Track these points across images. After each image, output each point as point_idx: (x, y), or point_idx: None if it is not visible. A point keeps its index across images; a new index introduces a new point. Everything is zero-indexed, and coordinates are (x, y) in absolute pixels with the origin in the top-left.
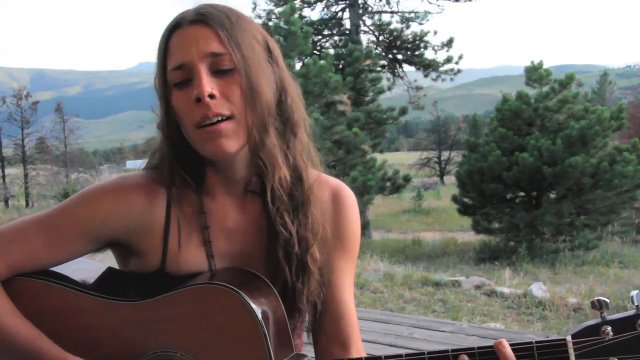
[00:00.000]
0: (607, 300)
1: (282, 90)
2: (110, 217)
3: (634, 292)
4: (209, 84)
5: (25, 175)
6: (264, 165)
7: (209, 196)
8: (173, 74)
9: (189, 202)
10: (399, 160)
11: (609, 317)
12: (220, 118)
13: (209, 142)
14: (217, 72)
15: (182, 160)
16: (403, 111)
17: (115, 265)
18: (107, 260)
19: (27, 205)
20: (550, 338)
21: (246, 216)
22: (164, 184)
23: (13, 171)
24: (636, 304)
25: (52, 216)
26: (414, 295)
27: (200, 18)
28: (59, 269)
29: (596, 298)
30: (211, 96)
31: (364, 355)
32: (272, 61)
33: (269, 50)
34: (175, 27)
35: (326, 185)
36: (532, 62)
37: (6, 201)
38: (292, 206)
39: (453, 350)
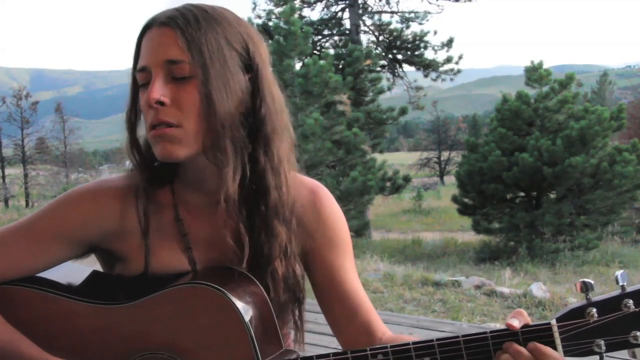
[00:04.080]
0: (592, 282)
1: (256, 99)
2: (88, 221)
3: (618, 272)
4: (158, 91)
5: (25, 176)
6: (220, 175)
7: (183, 204)
8: (138, 75)
9: (165, 207)
10: (399, 160)
11: (594, 299)
12: (164, 125)
13: (156, 146)
14: (175, 79)
15: (154, 166)
16: (403, 111)
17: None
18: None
19: (27, 205)
20: (535, 323)
21: (218, 227)
22: (142, 187)
23: (13, 171)
24: (620, 284)
25: (32, 222)
26: (414, 295)
27: (167, 21)
28: (44, 273)
29: (581, 280)
30: (160, 103)
31: (389, 334)
32: (250, 67)
33: (247, 56)
34: (147, 27)
35: (302, 186)
36: (532, 62)
37: (6, 201)
38: (258, 221)
39: (464, 336)
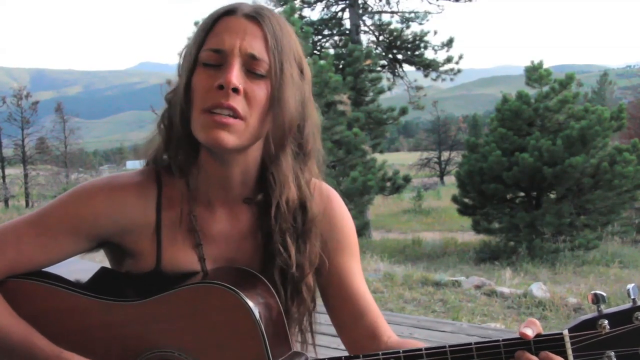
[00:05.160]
0: (604, 294)
1: (303, 116)
2: (101, 215)
3: (630, 286)
4: (238, 78)
5: (25, 176)
6: (274, 181)
7: (198, 200)
8: (207, 54)
9: (179, 203)
10: (399, 160)
11: (606, 311)
12: (230, 113)
13: (210, 130)
14: (249, 73)
15: (176, 157)
16: (403, 111)
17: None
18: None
19: (27, 205)
20: (547, 332)
21: (236, 225)
22: (156, 182)
23: (13, 171)
24: (632, 297)
25: (44, 216)
26: (414, 295)
27: (256, 16)
28: (52, 269)
29: (593, 292)
30: (235, 90)
31: (395, 337)
32: (301, 86)
33: (300, 75)
34: (228, 13)
35: (316, 191)
36: (532, 62)
37: (6, 201)
38: (294, 232)
39: (476, 344)
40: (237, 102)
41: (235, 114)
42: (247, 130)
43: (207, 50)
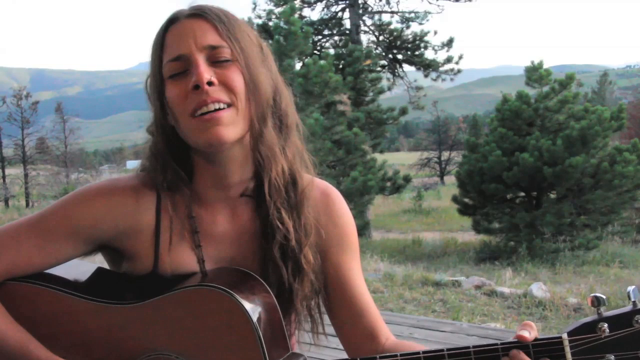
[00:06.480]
0: (604, 297)
1: (276, 91)
2: (101, 219)
3: (630, 288)
4: (207, 72)
5: (26, 176)
6: (262, 158)
7: (198, 201)
8: (169, 66)
9: (179, 205)
10: (399, 160)
11: (606, 314)
12: (219, 106)
13: (206, 131)
14: (216, 63)
15: (173, 163)
16: (403, 111)
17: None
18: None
19: (27, 205)
20: (546, 336)
21: (236, 223)
22: (154, 186)
23: (13, 171)
24: (632, 299)
25: (43, 219)
26: (414, 295)
27: (197, 12)
28: (50, 270)
29: (593, 294)
30: (210, 83)
31: (392, 338)
32: (266, 62)
33: (261, 53)
34: (172, 22)
35: (315, 187)
36: (532, 62)
37: (6, 201)
38: (288, 206)
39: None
40: (219, 93)
41: (222, 105)
42: (240, 115)
43: (167, 63)
